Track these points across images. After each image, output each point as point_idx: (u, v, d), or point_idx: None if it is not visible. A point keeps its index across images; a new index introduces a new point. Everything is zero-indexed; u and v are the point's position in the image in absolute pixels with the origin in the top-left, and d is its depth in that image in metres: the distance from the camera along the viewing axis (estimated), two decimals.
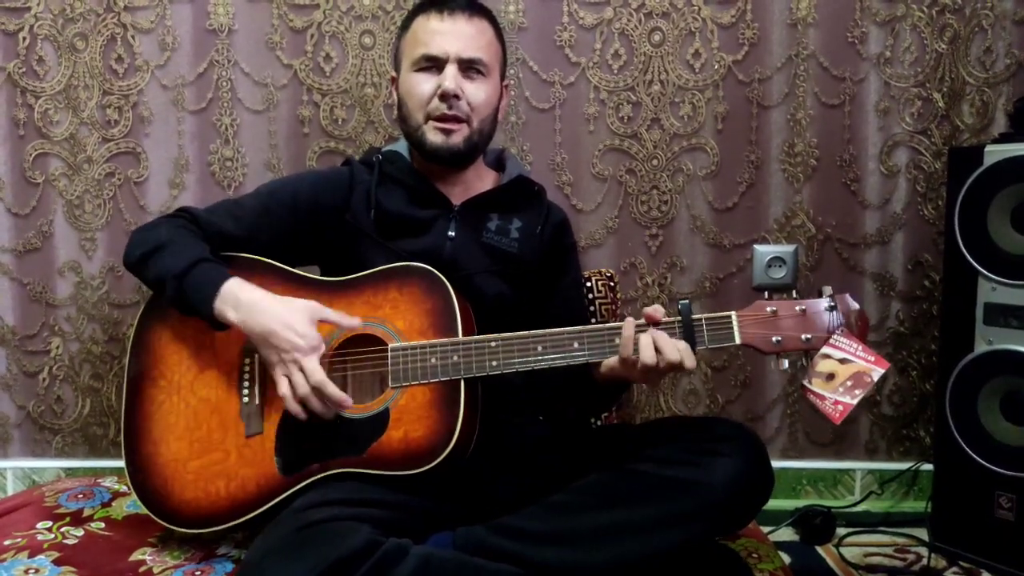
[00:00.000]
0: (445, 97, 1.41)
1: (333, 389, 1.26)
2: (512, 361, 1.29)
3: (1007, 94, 2.01)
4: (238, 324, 1.29)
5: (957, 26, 2.00)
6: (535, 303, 1.53)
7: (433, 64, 1.43)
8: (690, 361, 1.23)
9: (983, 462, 1.75)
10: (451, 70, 1.42)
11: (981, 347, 1.76)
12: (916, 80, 2.02)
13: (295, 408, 1.27)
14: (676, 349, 1.22)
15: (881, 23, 2.01)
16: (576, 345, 1.28)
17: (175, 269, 1.31)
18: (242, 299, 1.30)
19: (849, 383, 1.20)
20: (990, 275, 1.74)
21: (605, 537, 1.22)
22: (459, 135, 1.44)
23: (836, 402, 1.20)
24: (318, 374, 1.26)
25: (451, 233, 1.47)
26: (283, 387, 1.27)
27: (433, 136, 1.44)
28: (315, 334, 1.28)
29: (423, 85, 1.43)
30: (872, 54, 2.02)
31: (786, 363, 1.26)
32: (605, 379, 1.32)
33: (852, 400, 1.20)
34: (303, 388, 1.26)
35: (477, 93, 1.44)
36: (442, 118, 1.43)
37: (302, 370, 1.26)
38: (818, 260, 2.07)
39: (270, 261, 1.42)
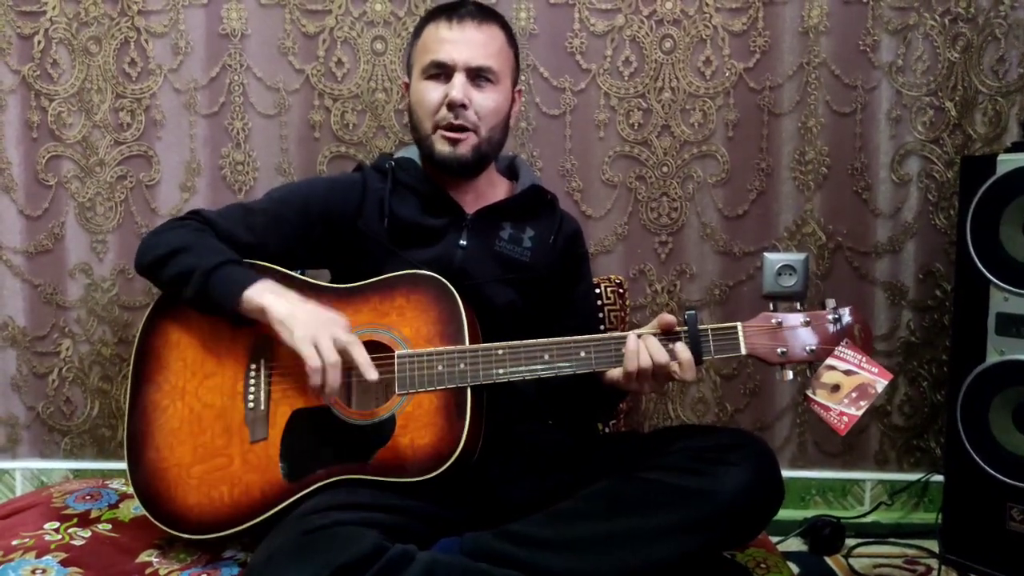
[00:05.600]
0: (452, 106, 1.41)
1: (361, 352, 1.25)
2: (519, 369, 1.29)
3: (1020, 103, 2.00)
4: (268, 306, 1.28)
5: (970, 35, 1.99)
6: (546, 312, 1.52)
7: (441, 72, 1.43)
8: (689, 373, 1.25)
9: (995, 473, 1.73)
10: (459, 79, 1.41)
11: (993, 357, 1.75)
12: (928, 89, 2.01)
13: (316, 380, 1.24)
14: (664, 352, 1.24)
15: (893, 32, 2.00)
16: (583, 354, 1.28)
17: (204, 266, 1.31)
18: (280, 291, 1.31)
19: (854, 394, 1.21)
20: (1002, 285, 1.72)
21: (612, 545, 1.21)
22: (466, 144, 1.43)
23: (841, 413, 1.21)
24: (347, 336, 1.25)
25: (463, 242, 1.47)
26: (307, 352, 1.24)
27: (441, 146, 1.44)
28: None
29: (432, 94, 1.43)
30: (884, 62, 2.01)
31: (790, 374, 1.27)
32: (607, 385, 1.33)
33: (857, 412, 1.21)
34: (330, 354, 1.24)
35: (485, 102, 1.43)
36: (449, 127, 1.42)
37: (332, 336, 1.24)
38: (828, 269, 2.05)
39: (281, 268, 1.42)
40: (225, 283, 1.31)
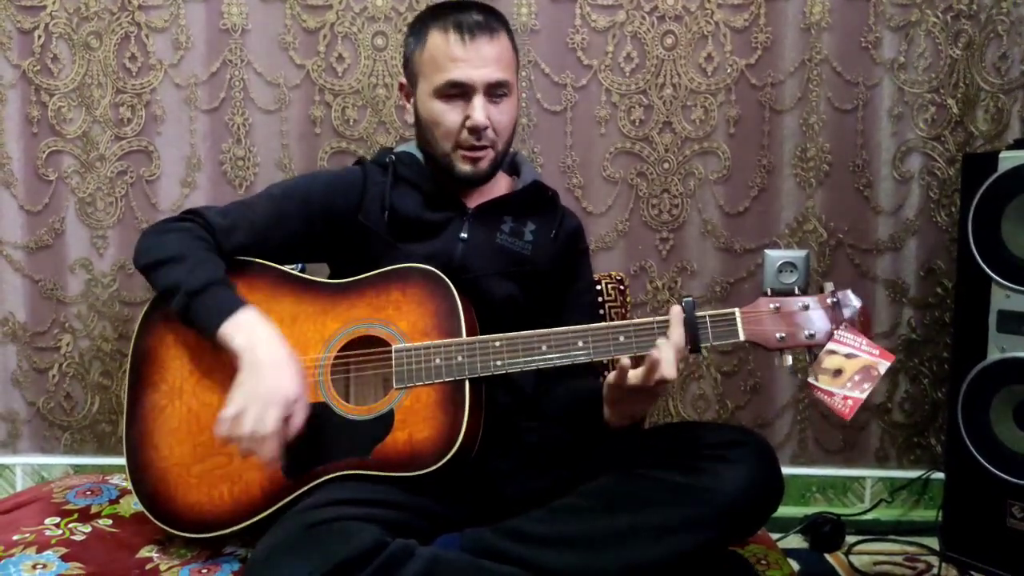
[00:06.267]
0: (475, 130, 1.39)
1: (273, 448, 1.23)
2: (517, 360, 1.28)
3: (1022, 100, 2.00)
4: (239, 348, 1.26)
5: (972, 32, 1.99)
6: (545, 307, 1.52)
7: (458, 91, 1.39)
8: (668, 369, 1.21)
9: (995, 471, 1.73)
10: (479, 101, 1.38)
11: (994, 355, 1.75)
12: (930, 86, 2.01)
13: (222, 431, 1.23)
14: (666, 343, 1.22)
15: (895, 28, 2.00)
16: (580, 344, 1.28)
17: (189, 285, 1.30)
18: (256, 332, 1.28)
19: (857, 377, 1.19)
20: (1004, 282, 1.72)
21: (612, 542, 1.21)
22: (486, 160, 1.43)
23: (845, 397, 1.19)
24: (274, 426, 1.22)
25: (463, 235, 1.46)
26: (231, 411, 1.22)
27: (463, 165, 1.42)
28: (302, 393, 1.26)
29: (449, 115, 1.40)
30: (886, 59, 2.01)
31: (790, 359, 1.25)
32: (612, 420, 1.31)
33: (861, 394, 1.19)
34: (249, 425, 1.21)
35: (502, 117, 1.42)
36: (471, 148, 1.41)
37: (266, 411, 1.21)
38: (830, 266, 2.05)
39: (276, 266, 1.42)
40: (206, 311, 1.29)
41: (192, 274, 1.31)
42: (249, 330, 1.28)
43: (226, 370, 1.35)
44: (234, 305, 1.30)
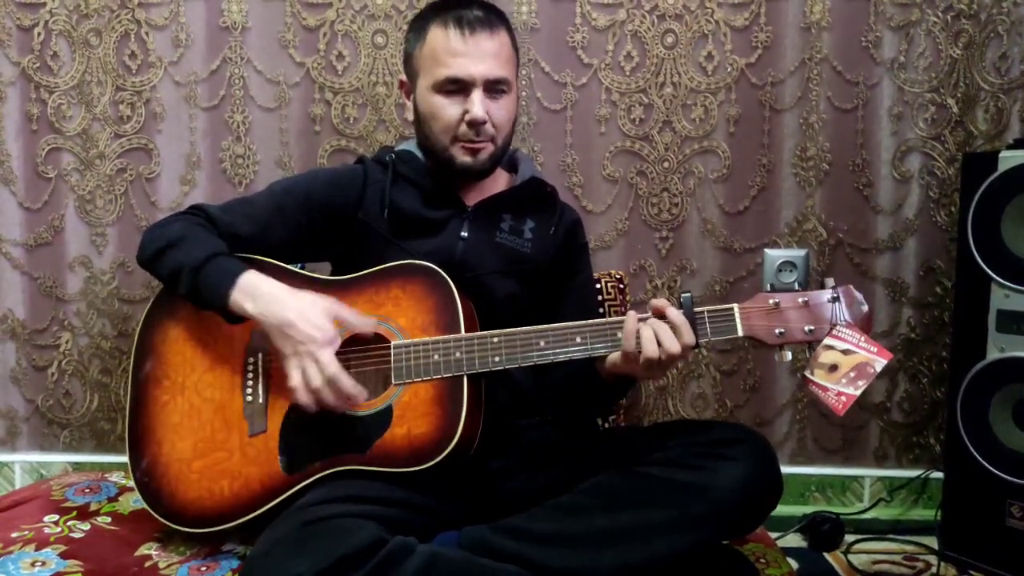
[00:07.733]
0: (473, 124, 1.39)
1: (347, 381, 1.25)
2: (515, 356, 1.28)
3: (1022, 100, 2.00)
4: (254, 315, 1.28)
5: (972, 31, 1.99)
6: (546, 303, 1.52)
7: (457, 87, 1.40)
8: (687, 336, 1.23)
9: (994, 470, 1.73)
10: (478, 96, 1.39)
11: (993, 354, 1.75)
12: (930, 85, 2.01)
13: (306, 400, 1.25)
14: (676, 341, 1.22)
15: (895, 28, 2.00)
16: (578, 339, 1.28)
17: (191, 262, 1.31)
18: (261, 290, 1.29)
19: (852, 374, 1.19)
20: (1003, 282, 1.72)
21: (611, 540, 1.21)
22: (485, 152, 1.43)
23: (839, 393, 1.19)
24: (333, 366, 1.24)
25: (464, 233, 1.46)
26: (295, 378, 1.25)
27: (463, 157, 1.42)
28: (331, 327, 1.27)
29: (448, 110, 1.40)
30: (886, 59, 2.01)
31: (789, 355, 1.25)
32: (609, 376, 1.32)
33: (855, 391, 1.18)
34: (316, 380, 1.24)
35: (501, 112, 1.42)
36: (470, 142, 1.41)
37: (316, 362, 1.24)
38: (829, 265, 2.05)
39: (276, 262, 1.42)
40: (211, 283, 1.30)
41: (191, 252, 1.32)
42: (252, 294, 1.29)
43: (227, 366, 1.35)
44: (235, 272, 1.31)
